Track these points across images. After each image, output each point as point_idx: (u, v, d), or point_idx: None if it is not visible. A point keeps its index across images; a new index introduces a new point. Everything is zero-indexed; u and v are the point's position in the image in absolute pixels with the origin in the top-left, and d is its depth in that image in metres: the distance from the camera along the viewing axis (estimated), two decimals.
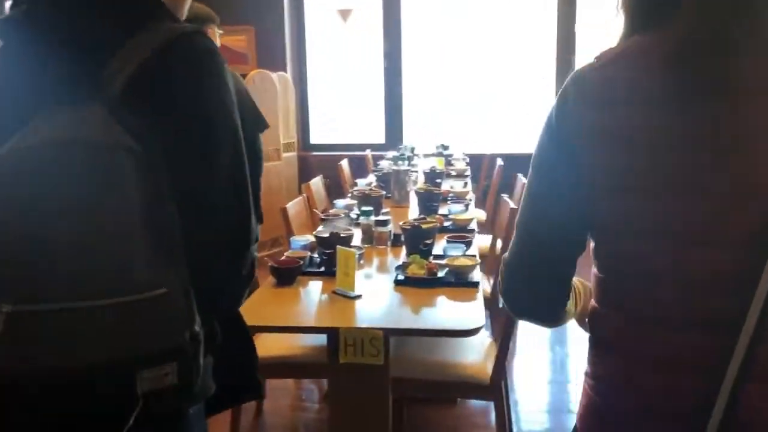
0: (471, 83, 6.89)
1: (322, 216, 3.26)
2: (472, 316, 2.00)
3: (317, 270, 2.46)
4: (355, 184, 4.55)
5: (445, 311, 2.14)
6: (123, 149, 0.87)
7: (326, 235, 2.44)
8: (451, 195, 3.78)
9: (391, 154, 6.09)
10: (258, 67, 6.30)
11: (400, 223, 2.63)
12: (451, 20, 6.74)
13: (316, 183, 4.28)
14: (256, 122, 2.50)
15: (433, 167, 4.31)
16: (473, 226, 3.13)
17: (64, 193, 0.85)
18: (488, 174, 5.66)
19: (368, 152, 6.22)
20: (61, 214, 0.84)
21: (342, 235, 2.42)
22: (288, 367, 2.46)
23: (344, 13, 6.78)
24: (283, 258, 2.45)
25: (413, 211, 3.64)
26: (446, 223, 3.13)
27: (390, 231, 2.84)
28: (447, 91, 6.98)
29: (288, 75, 6.36)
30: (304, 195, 3.70)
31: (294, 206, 3.41)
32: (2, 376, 0.84)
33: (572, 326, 1.24)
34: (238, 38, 6.46)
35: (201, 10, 3.13)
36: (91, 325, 0.84)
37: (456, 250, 2.44)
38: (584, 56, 6.53)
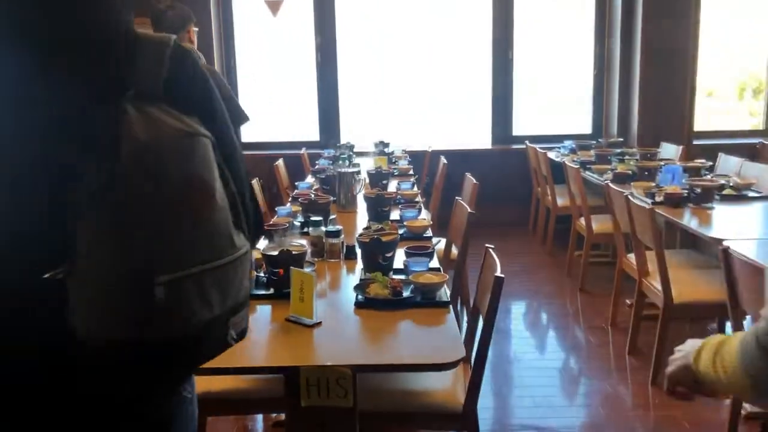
0: (407, 78, 6.69)
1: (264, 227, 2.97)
2: (449, 345, 1.78)
3: (265, 293, 2.19)
4: (294, 187, 4.27)
5: (417, 339, 1.90)
6: (202, 136, 1.06)
7: (275, 252, 2.16)
8: (399, 197, 3.56)
9: (327, 152, 5.84)
10: None
11: (357, 235, 2.38)
12: (387, 12, 6.51)
13: (255, 188, 3.97)
14: (238, 116, 2.76)
15: (379, 167, 4.08)
16: (429, 232, 2.92)
17: (189, 174, 1.03)
18: (429, 172, 5.49)
19: (304, 151, 5.93)
20: (186, 192, 1.02)
21: (294, 252, 2.15)
22: (234, 404, 2.18)
23: (274, 5, 6.43)
24: None
25: (361, 217, 3.40)
26: (399, 231, 2.90)
27: (343, 242, 2.59)
28: (382, 86, 6.75)
29: (216, 70, 5.98)
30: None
31: None
32: (171, 337, 1.01)
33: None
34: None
35: (183, 11, 3.49)
36: (224, 280, 1.06)
37: (419, 265, 2.21)
38: (522, 52, 6.52)
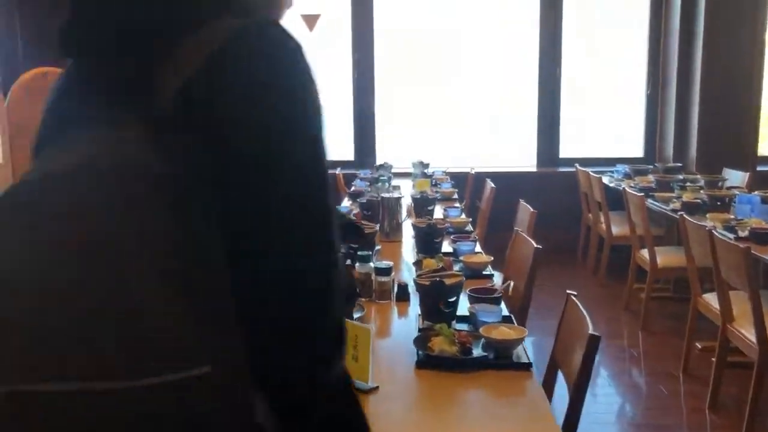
0: (447, 94, 6.37)
1: None
2: (538, 426, 1.43)
3: None
4: None
5: (495, 413, 1.55)
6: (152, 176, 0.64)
7: None
8: (448, 227, 3.22)
9: (363, 173, 5.53)
10: None
11: (415, 275, 2.03)
12: (427, 26, 6.22)
13: None
14: None
15: (423, 192, 3.75)
16: (489, 269, 2.57)
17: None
18: (472, 194, 5.14)
19: (339, 171, 5.63)
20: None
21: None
22: None
23: (310, 20, 6.17)
24: None
25: (406, 248, 3.07)
26: (455, 266, 2.56)
27: (393, 280, 2.26)
28: (420, 103, 6.44)
29: None
30: None
31: None
32: None
33: None
34: None
35: None
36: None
37: (491, 315, 1.86)
38: (570, 68, 6.17)
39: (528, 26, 6.00)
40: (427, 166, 5.47)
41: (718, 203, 3.70)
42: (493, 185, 4.45)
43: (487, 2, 6.13)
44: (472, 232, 3.26)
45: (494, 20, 6.12)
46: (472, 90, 6.29)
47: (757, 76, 5.39)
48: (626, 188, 4.27)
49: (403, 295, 2.25)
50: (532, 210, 3.36)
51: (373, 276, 2.24)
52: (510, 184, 5.00)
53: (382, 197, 3.18)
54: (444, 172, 5.34)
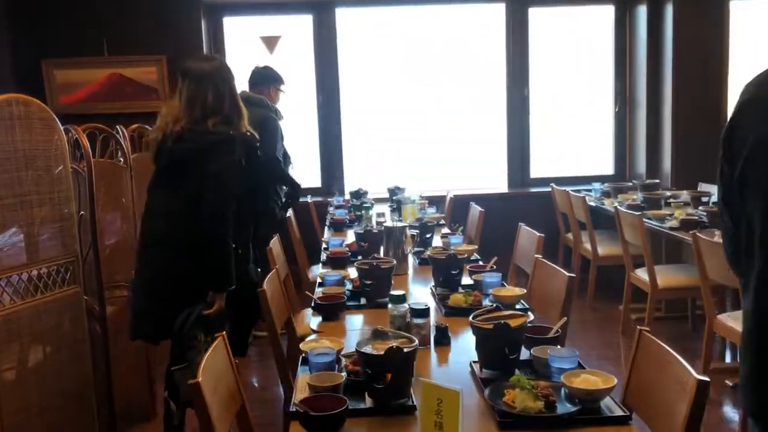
0: (414, 117, 6.19)
1: (318, 301, 2.38)
2: None
3: (363, 407, 1.59)
4: (306, 241, 3.67)
5: None
6: None
7: (377, 352, 1.58)
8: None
9: (336, 200, 5.28)
10: None
11: (471, 318, 1.79)
12: (392, 46, 6.04)
13: (275, 244, 3.37)
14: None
15: (423, 219, 3.52)
16: (522, 303, 2.36)
17: None
18: (453, 219, 4.94)
19: (309, 198, 5.36)
20: None
21: (406, 350, 1.57)
22: None
23: (270, 41, 5.92)
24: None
25: (415, 281, 2.84)
26: (484, 302, 2.34)
27: (431, 324, 2.02)
28: (387, 126, 6.23)
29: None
30: (275, 269, 2.80)
31: (268, 284, 2.52)
32: None
33: None
34: (147, 69, 5.46)
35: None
36: None
37: (566, 361, 1.64)
38: (538, 90, 6.08)
39: (495, 47, 5.91)
40: (402, 191, 5.26)
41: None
42: (481, 209, 4.27)
43: (453, 23, 6.01)
44: (478, 260, 3.04)
45: (460, 41, 6.00)
46: (440, 113, 6.14)
47: (725, 87, 5.43)
48: (618, 207, 4.15)
49: (442, 339, 2.01)
50: (538, 235, 3.18)
51: (410, 319, 1.99)
52: (483, 206, 4.83)
53: (386, 227, 2.94)
54: (421, 196, 5.13)
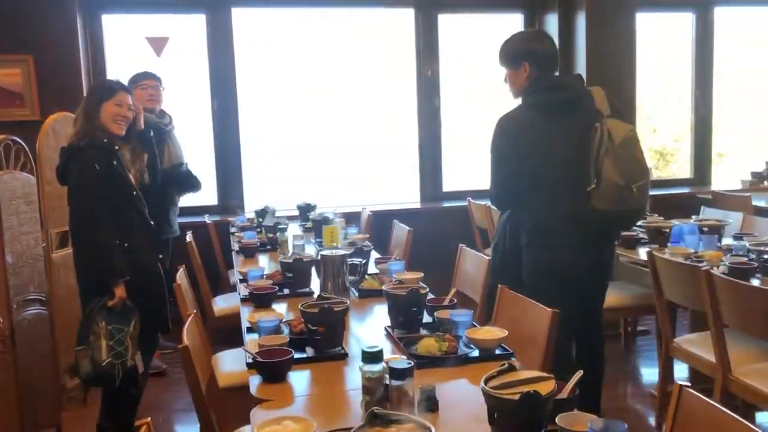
0: (319, 130, 5.77)
1: (257, 357, 1.89)
2: None
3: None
4: (243, 277, 3.14)
5: None
6: None
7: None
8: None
9: (240, 220, 4.74)
10: (41, 111, 4.58)
11: (486, 386, 1.38)
12: (296, 53, 5.58)
13: (182, 278, 2.83)
14: None
15: (350, 241, 3.10)
16: (504, 347, 1.99)
17: None
18: (376, 238, 4.53)
19: (207, 219, 4.78)
20: None
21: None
22: None
23: (157, 43, 5.29)
24: None
25: (359, 319, 2.42)
26: (459, 346, 1.96)
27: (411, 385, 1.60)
28: (288, 137, 5.77)
29: None
30: (192, 315, 2.27)
31: (188, 334, 2.00)
32: None
33: None
34: (9, 72, 4.68)
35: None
36: None
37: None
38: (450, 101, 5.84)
39: (406, 55, 5.60)
40: (313, 208, 4.81)
41: (661, 236, 3.45)
42: (408, 227, 3.91)
43: (361, 29, 5.65)
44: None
45: (369, 48, 5.65)
46: (345, 124, 5.75)
47: (634, 96, 5.42)
48: None
49: (430, 405, 1.60)
50: (486, 258, 2.85)
51: (389, 381, 1.57)
52: (395, 221, 4.48)
53: (323, 256, 2.50)
54: (335, 213, 4.68)
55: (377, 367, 1.58)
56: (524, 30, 3.56)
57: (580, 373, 1.56)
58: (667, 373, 3.02)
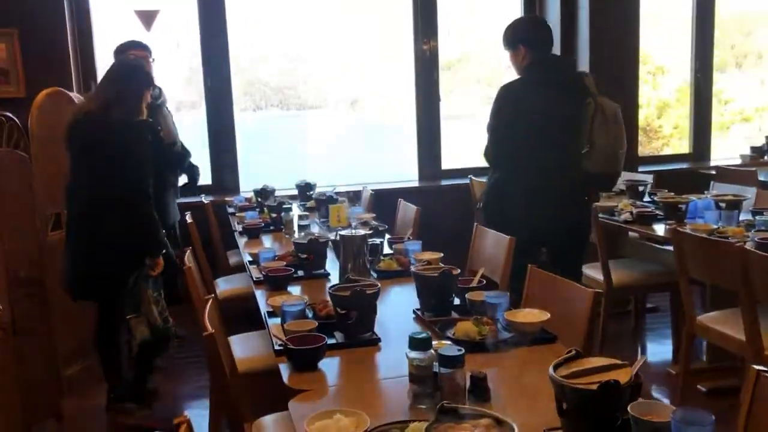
0: (311, 104, 5.62)
1: (288, 345, 1.77)
2: None
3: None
4: (254, 258, 3.01)
5: None
6: None
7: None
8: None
9: (238, 200, 4.59)
10: (27, 86, 4.38)
11: (553, 372, 1.27)
12: (291, 27, 5.41)
13: (189, 260, 2.69)
14: None
15: (371, 222, 2.98)
16: (545, 330, 1.89)
17: None
18: (380, 218, 4.40)
19: (204, 199, 4.62)
20: None
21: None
22: None
23: (147, 16, 5.08)
24: None
25: (384, 303, 2.30)
26: (503, 334, 1.86)
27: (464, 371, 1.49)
28: (282, 115, 5.62)
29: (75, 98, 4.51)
30: (210, 296, 2.15)
31: (214, 334, 1.87)
32: None
33: None
34: None
35: None
36: None
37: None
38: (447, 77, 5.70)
39: (401, 36, 5.44)
40: (314, 186, 4.67)
41: (678, 211, 3.37)
42: (416, 207, 3.80)
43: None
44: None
45: (366, 25, 5.49)
46: (341, 102, 5.60)
47: (635, 78, 5.32)
48: None
49: (481, 394, 1.49)
50: (508, 237, 2.75)
51: (437, 367, 1.46)
52: (397, 200, 4.36)
53: (342, 236, 2.38)
54: (335, 191, 4.53)
55: (426, 355, 1.48)
56: (521, 17, 3.80)
57: (644, 358, 1.46)
58: (689, 351, 2.95)
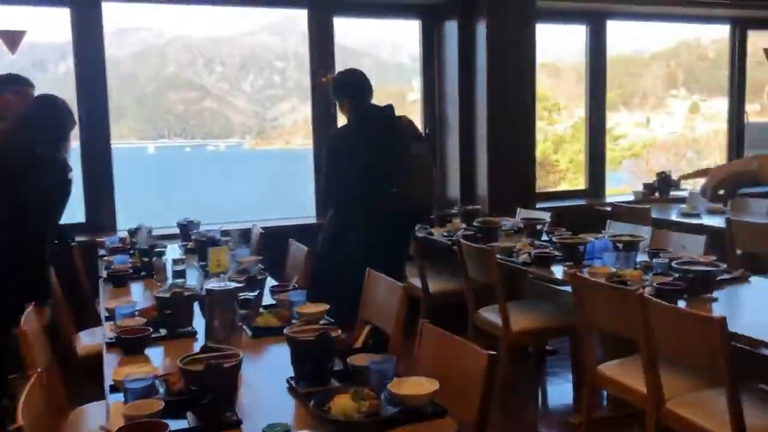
0: (199, 135, 5.26)
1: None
2: None
3: None
4: (110, 314, 2.61)
5: None
6: None
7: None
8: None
9: (110, 241, 4.14)
10: None
11: None
12: (178, 53, 5.05)
13: (28, 321, 2.28)
14: None
15: (251, 268, 2.67)
16: (435, 403, 1.64)
17: None
18: (270, 261, 4.05)
19: (70, 240, 4.14)
20: None
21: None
22: None
23: (12, 37, 4.61)
24: None
25: (254, 366, 2.00)
26: (384, 406, 1.60)
27: None
28: (162, 148, 5.22)
29: None
30: (36, 370, 1.78)
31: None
32: None
33: None
34: None
35: None
36: None
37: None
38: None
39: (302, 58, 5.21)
40: (197, 225, 4.30)
41: (577, 253, 3.27)
42: (306, 248, 3.52)
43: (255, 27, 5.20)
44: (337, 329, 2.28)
45: (262, 48, 5.21)
46: (231, 132, 5.27)
47: (531, 118, 5.31)
48: (461, 239, 3.66)
49: None
50: (400, 285, 2.51)
51: None
52: (291, 240, 4.06)
53: (208, 290, 2.06)
54: (221, 230, 4.16)
55: None
56: (346, 70, 3.83)
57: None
58: (589, 402, 2.80)
